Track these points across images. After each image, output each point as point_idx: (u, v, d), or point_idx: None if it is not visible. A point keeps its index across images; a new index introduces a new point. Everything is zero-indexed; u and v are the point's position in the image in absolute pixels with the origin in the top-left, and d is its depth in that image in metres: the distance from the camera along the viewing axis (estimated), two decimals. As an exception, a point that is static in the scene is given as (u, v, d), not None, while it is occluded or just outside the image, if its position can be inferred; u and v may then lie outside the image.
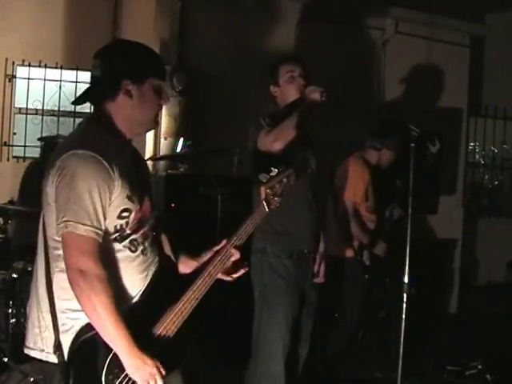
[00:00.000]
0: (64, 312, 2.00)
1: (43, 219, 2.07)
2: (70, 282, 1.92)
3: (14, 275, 3.77)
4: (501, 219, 8.01)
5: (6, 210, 4.10)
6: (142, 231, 2.10)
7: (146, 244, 2.12)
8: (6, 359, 3.75)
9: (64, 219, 1.92)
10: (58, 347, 1.98)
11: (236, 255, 2.24)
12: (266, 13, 5.80)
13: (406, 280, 3.33)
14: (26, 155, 5.95)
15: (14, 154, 6.03)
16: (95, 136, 2.05)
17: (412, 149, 3.42)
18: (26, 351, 2.11)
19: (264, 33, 5.76)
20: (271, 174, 2.27)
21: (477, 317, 6.29)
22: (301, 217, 3.24)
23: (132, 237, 2.07)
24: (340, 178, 4.41)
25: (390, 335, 4.07)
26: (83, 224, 1.92)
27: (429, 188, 5.96)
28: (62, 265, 1.96)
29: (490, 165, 8.08)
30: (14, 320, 3.73)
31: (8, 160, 5.98)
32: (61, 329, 2.00)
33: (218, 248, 2.27)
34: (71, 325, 1.99)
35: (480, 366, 4.46)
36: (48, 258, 2.03)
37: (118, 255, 2.05)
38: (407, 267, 3.33)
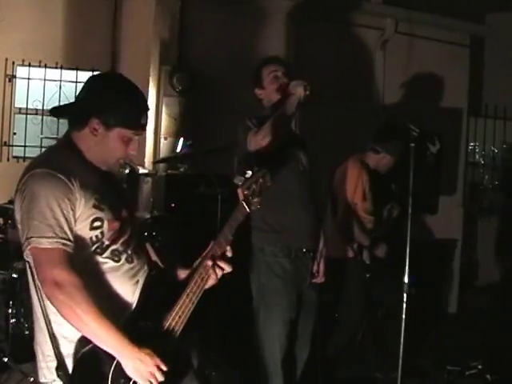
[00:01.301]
0: (65, 337, 1.99)
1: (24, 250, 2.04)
2: (48, 297, 1.90)
3: (14, 275, 3.77)
4: (501, 219, 8.01)
5: (6, 210, 4.10)
6: (121, 240, 2.08)
7: (129, 252, 2.10)
8: (5, 359, 3.75)
9: (27, 237, 1.92)
10: (60, 368, 1.96)
11: (228, 253, 2.23)
12: (265, 13, 5.80)
13: (405, 280, 3.33)
14: (26, 155, 5.94)
15: (13, 154, 6.02)
16: (56, 156, 2.06)
17: (412, 149, 3.42)
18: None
19: (264, 33, 5.76)
20: (246, 176, 2.27)
21: (477, 317, 6.29)
22: (297, 215, 3.23)
23: (112, 247, 2.05)
24: (339, 180, 4.41)
25: (390, 335, 4.07)
26: (46, 237, 1.90)
27: (429, 188, 5.96)
28: None
29: (490, 165, 8.08)
30: (13, 320, 3.73)
31: (8, 160, 5.98)
32: (64, 352, 1.98)
33: (205, 252, 2.24)
34: (74, 347, 1.98)
35: (480, 366, 4.46)
36: (38, 287, 2.00)
37: (104, 267, 2.04)
38: (407, 267, 3.33)
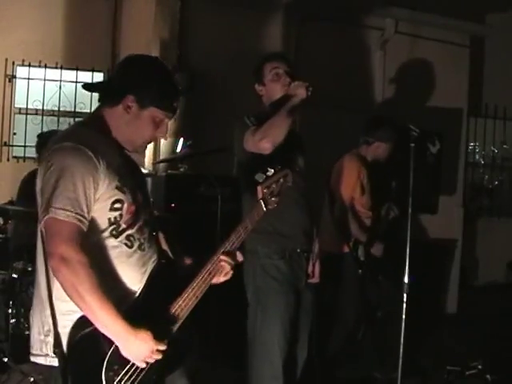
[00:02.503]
0: (65, 314, 1.99)
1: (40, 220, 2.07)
2: (53, 270, 1.90)
3: (14, 275, 3.77)
4: (501, 219, 8.01)
5: (6, 210, 4.10)
6: (137, 226, 2.09)
7: (143, 240, 2.11)
8: (5, 359, 3.75)
9: (46, 207, 1.92)
10: (56, 346, 1.96)
11: (239, 258, 2.24)
12: (265, 13, 5.80)
13: (405, 280, 3.33)
14: (26, 155, 5.95)
15: (13, 154, 6.03)
16: (84, 132, 2.06)
17: (412, 149, 3.42)
18: (32, 358, 2.09)
19: (264, 33, 5.76)
20: (268, 174, 2.26)
21: (477, 317, 6.29)
22: (291, 216, 3.19)
23: (128, 232, 2.06)
24: (336, 176, 4.40)
25: (389, 335, 4.07)
26: (64, 210, 1.90)
27: (429, 188, 5.97)
28: None
29: (490, 165, 8.09)
30: (14, 320, 3.72)
31: (8, 160, 5.98)
32: (61, 331, 1.98)
33: (219, 249, 2.24)
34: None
35: (480, 366, 4.46)
36: (46, 260, 2.01)
37: (116, 251, 2.04)
38: (407, 267, 3.33)
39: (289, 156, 3.18)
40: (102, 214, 2.00)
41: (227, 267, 2.20)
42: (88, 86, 2.21)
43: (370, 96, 6.46)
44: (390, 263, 4.21)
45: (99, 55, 6.18)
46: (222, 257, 2.19)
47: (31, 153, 5.75)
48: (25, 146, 5.99)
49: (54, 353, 1.97)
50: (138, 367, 1.97)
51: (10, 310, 3.76)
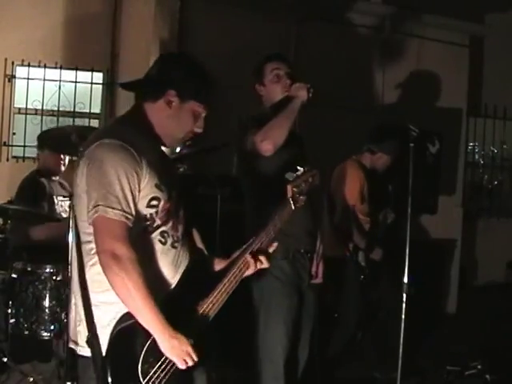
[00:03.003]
0: (97, 305, 2.02)
1: (74, 214, 2.10)
2: (103, 267, 1.94)
3: (14, 275, 3.77)
4: (500, 219, 8.01)
5: (6, 209, 4.10)
6: (171, 223, 2.12)
7: (176, 237, 2.14)
8: (5, 359, 3.75)
9: (94, 205, 1.95)
10: (91, 339, 1.99)
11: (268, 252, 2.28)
12: (265, 13, 5.80)
13: (405, 280, 3.33)
14: (26, 155, 5.95)
15: (13, 154, 6.03)
16: (124, 129, 2.09)
17: (412, 149, 3.42)
18: (70, 344, 2.14)
19: (264, 33, 5.76)
20: (297, 173, 2.29)
21: (477, 317, 6.29)
22: (295, 216, 3.20)
23: (162, 228, 2.08)
24: (336, 181, 4.41)
25: (389, 336, 4.07)
26: (113, 208, 1.94)
27: (428, 188, 5.96)
28: (95, 259, 1.98)
29: (490, 165, 8.09)
30: (13, 320, 3.72)
31: (7, 160, 5.98)
32: (97, 323, 2.01)
33: (246, 246, 2.28)
34: (108, 318, 2.00)
35: (480, 366, 4.46)
36: (80, 253, 2.06)
37: (150, 247, 2.07)
38: (407, 267, 3.33)
39: (290, 155, 3.18)
40: (140, 209, 2.03)
41: (253, 264, 2.23)
42: (127, 85, 2.27)
43: (370, 96, 6.46)
44: (390, 265, 4.22)
45: (99, 55, 6.17)
46: (249, 256, 2.22)
47: (31, 153, 5.76)
48: (24, 146, 5.99)
49: (87, 343, 2.00)
50: (170, 361, 2.00)
51: (9, 310, 3.75)
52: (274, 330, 3.12)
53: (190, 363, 2.00)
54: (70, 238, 2.14)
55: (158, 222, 2.07)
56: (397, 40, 6.52)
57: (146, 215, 2.04)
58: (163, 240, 2.09)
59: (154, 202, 2.05)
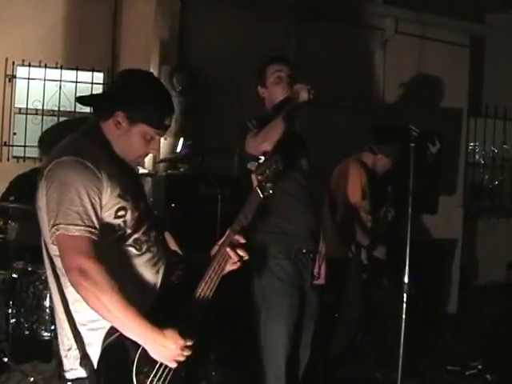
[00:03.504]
0: (85, 324, 2.01)
1: (44, 239, 2.07)
2: (73, 285, 1.92)
3: (14, 275, 3.77)
4: (501, 219, 8.01)
5: (6, 209, 4.10)
6: (142, 230, 2.11)
7: (150, 243, 2.13)
8: (5, 359, 3.75)
9: (55, 223, 1.93)
10: (84, 358, 1.98)
11: (240, 240, 2.25)
12: (265, 13, 5.80)
13: (406, 280, 3.33)
14: (26, 155, 5.95)
15: (13, 154, 6.03)
16: (82, 143, 2.07)
17: (412, 149, 3.42)
18: (67, 375, 2.09)
19: (264, 33, 5.76)
20: (259, 162, 2.30)
21: (477, 317, 6.29)
22: (297, 216, 3.21)
23: (134, 236, 2.08)
24: (337, 179, 4.41)
25: (390, 336, 4.07)
26: (74, 224, 1.92)
27: (429, 188, 5.96)
28: None
29: (490, 165, 8.09)
30: (13, 320, 3.72)
31: (8, 160, 5.98)
32: (86, 341, 2.00)
33: (222, 240, 2.27)
34: (95, 336, 1.99)
35: (480, 366, 4.46)
36: (57, 276, 2.03)
37: (126, 255, 2.07)
38: (407, 267, 3.33)
39: (292, 155, 3.18)
40: (108, 221, 2.02)
41: (234, 257, 2.21)
42: (81, 100, 2.23)
43: (370, 96, 6.46)
44: (392, 265, 4.21)
45: (99, 55, 6.18)
46: (227, 249, 2.21)
47: (31, 153, 5.77)
48: (25, 146, 5.99)
49: (81, 364, 1.99)
50: (166, 366, 1.99)
51: (10, 310, 3.75)
52: (275, 329, 3.12)
53: (182, 358, 1.97)
54: (46, 263, 2.11)
55: (129, 230, 2.06)
56: (397, 40, 6.52)
57: (115, 226, 2.03)
58: (138, 247, 2.08)
59: (121, 213, 2.04)
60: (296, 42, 6.02)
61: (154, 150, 2.16)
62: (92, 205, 1.96)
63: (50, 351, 3.88)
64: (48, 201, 1.97)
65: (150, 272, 2.10)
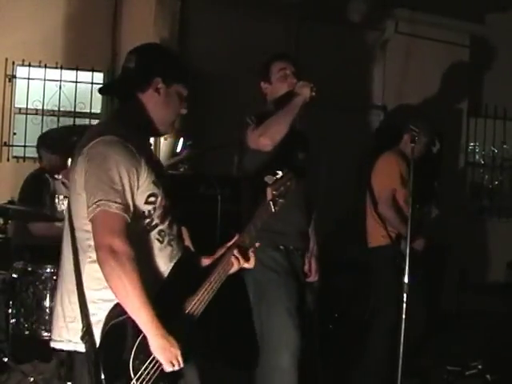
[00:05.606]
0: (95, 302, 2.02)
1: (69, 212, 2.10)
2: (100, 261, 1.94)
3: (14, 275, 3.77)
4: (501, 219, 8.01)
5: (6, 209, 4.10)
6: (167, 221, 2.14)
7: (172, 236, 2.16)
8: (5, 359, 3.75)
9: (95, 200, 1.95)
10: (86, 334, 1.99)
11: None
12: (265, 13, 5.80)
13: (406, 280, 3.33)
14: (26, 155, 5.95)
15: (13, 154, 6.03)
16: (119, 127, 2.11)
17: (412, 149, 3.43)
18: (53, 344, 2.13)
19: (264, 33, 5.76)
20: (277, 177, 2.33)
21: (477, 317, 6.29)
22: (285, 214, 3.12)
23: (160, 227, 2.11)
24: (376, 171, 4.32)
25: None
26: (115, 202, 1.95)
27: (429, 188, 5.96)
28: (94, 256, 1.98)
29: (490, 165, 8.09)
30: (13, 320, 3.72)
31: (8, 160, 5.99)
32: (92, 319, 2.01)
33: (230, 244, 2.29)
34: (103, 315, 2.00)
35: (480, 366, 4.46)
36: (76, 250, 2.05)
37: (148, 245, 2.09)
38: (407, 267, 3.33)
39: (288, 155, 3.18)
40: (139, 206, 2.05)
41: (236, 263, 2.25)
42: (105, 90, 2.37)
43: (370, 96, 6.46)
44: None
45: (99, 55, 6.18)
46: (233, 256, 2.24)
47: (31, 153, 5.76)
48: (25, 146, 5.99)
49: (82, 339, 2.00)
50: (157, 361, 2.00)
51: (10, 310, 3.75)
52: (276, 320, 3.09)
53: (176, 367, 1.99)
54: (65, 236, 2.11)
55: (156, 220, 2.09)
56: (397, 40, 6.52)
57: (144, 212, 2.06)
58: (161, 239, 2.12)
59: (152, 199, 2.07)
60: (296, 42, 6.02)
61: (184, 107, 2.27)
62: (130, 186, 2.00)
63: (50, 351, 3.87)
64: (88, 178, 1.99)
65: (164, 266, 2.12)
